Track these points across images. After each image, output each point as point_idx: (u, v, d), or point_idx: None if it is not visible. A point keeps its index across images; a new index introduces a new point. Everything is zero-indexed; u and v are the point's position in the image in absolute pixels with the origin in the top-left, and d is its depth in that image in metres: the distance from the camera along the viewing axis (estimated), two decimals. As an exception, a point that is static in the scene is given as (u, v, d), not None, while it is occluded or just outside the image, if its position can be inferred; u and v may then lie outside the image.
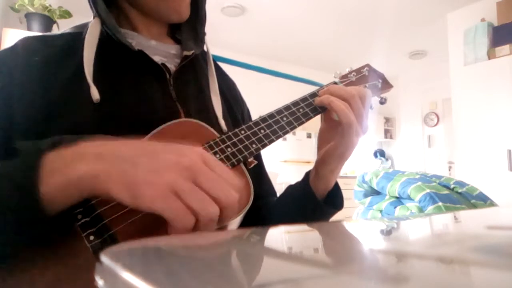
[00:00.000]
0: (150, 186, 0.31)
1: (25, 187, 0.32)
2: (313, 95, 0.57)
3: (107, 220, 0.37)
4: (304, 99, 0.56)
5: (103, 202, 0.38)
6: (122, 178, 0.32)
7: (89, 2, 0.54)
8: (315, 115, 0.56)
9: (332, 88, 0.56)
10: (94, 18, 0.54)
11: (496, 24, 2.95)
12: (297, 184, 0.60)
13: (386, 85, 0.64)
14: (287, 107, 0.55)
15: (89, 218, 0.37)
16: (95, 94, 0.47)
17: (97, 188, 0.33)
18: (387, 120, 5.90)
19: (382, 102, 0.65)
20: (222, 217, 0.34)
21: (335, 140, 0.54)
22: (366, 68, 0.64)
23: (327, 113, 0.57)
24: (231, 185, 0.34)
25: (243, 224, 0.54)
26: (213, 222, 0.33)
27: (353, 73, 0.63)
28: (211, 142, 0.47)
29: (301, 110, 0.55)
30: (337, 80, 0.64)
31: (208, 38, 0.64)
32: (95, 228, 0.36)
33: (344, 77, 0.64)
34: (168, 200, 0.31)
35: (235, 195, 0.33)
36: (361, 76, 0.63)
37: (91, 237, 0.36)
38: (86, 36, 0.52)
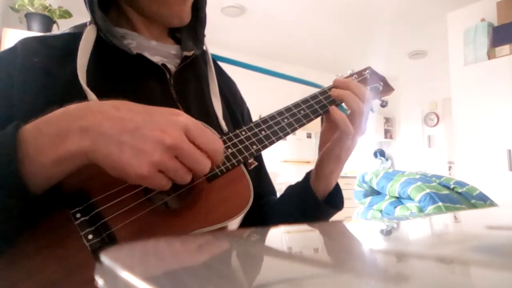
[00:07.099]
0: (135, 168, 0.33)
1: (3, 162, 0.31)
2: (315, 97, 0.57)
3: (106, 219, 0.37)
4: (305, 101, 0.56)
5: (102, 201, 0.38)
6: (109, 159, 0.33)
7: (86, 8, 0.53)
8: (316, 117, 0.56)
9: (351, 84, 0.56)
10: (89, 24, 0.54)
11: (496, 24, 2.94)
12: (298, 184, 0.60)
13: (387, 88, 0.64)
14: (288, 109, 0.55)
15: (88, 217, 0.37)
16: (92, 99, 0.46)
17: (88, 161, 0.34)
18: (387, 120, 5.90)
19: (383, 105, 0.64)
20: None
21: (332, 141, 0.55)
22: (367, 71, 0.64)
23: (328, 114, 0.57)
24: (213, 151, 0.37)
25: (243, 224, 0.54)
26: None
27: (354, 76, 0.63)
28: None
29: (302, 111, 0.55)
30: None
31: (207, 38, 0.64)
32: (94, 227, 0.36)
33: None
34: (153, 177, 0.34)
35: (208, 166, 0.37)
36: (363, 78, 0.63)
37: (90, 236, 0.36)
38: (81, 42, 0.51)
